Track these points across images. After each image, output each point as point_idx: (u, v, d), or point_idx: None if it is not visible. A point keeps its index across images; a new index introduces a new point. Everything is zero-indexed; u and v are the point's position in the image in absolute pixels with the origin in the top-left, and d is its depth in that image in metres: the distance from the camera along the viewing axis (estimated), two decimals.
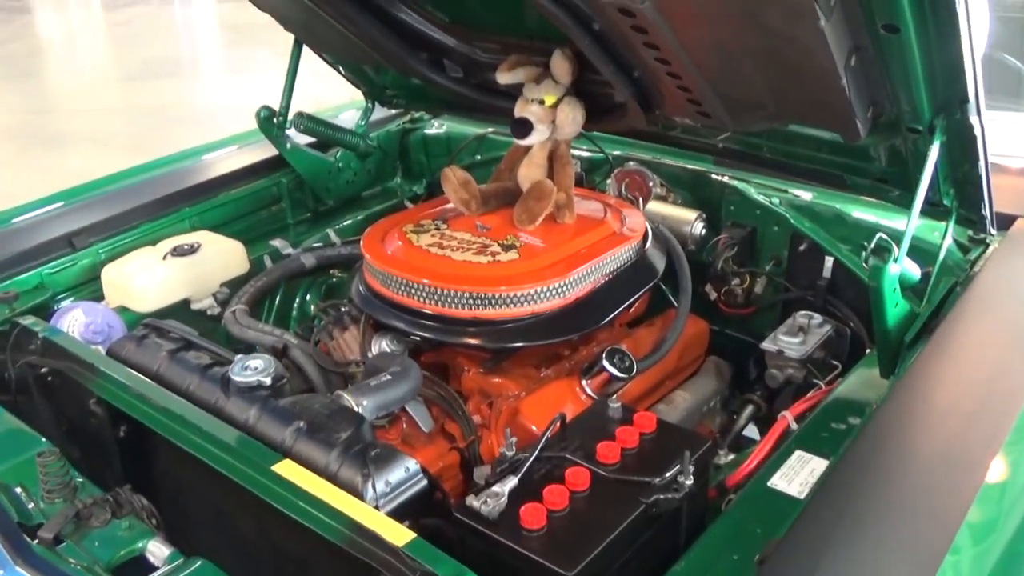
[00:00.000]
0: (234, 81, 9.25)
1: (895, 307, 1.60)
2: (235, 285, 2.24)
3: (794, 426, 1.61)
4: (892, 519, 1.17)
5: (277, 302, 2.41)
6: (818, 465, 1.38)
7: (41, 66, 10.58)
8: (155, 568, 1.34)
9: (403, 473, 1.36)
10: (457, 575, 1.11)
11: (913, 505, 1.20)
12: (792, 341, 1.97)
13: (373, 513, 1.25)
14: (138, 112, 8.05)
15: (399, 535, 1.19)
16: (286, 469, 1.34)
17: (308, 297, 2.47)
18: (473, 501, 1.30)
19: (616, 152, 2.47)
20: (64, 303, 2.10)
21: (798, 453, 1.41)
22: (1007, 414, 1.36)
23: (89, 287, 2.17)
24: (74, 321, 1.96)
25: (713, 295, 2.29)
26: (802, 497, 1.30)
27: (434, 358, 1.96)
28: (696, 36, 1.55)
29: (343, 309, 2.06)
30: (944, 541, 1.12)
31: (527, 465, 1.37)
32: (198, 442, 1.44)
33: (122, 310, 2.09)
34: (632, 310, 2.06)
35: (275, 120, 2.49)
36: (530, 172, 2.05)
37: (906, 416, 1.40)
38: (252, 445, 1.42)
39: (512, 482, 1.33)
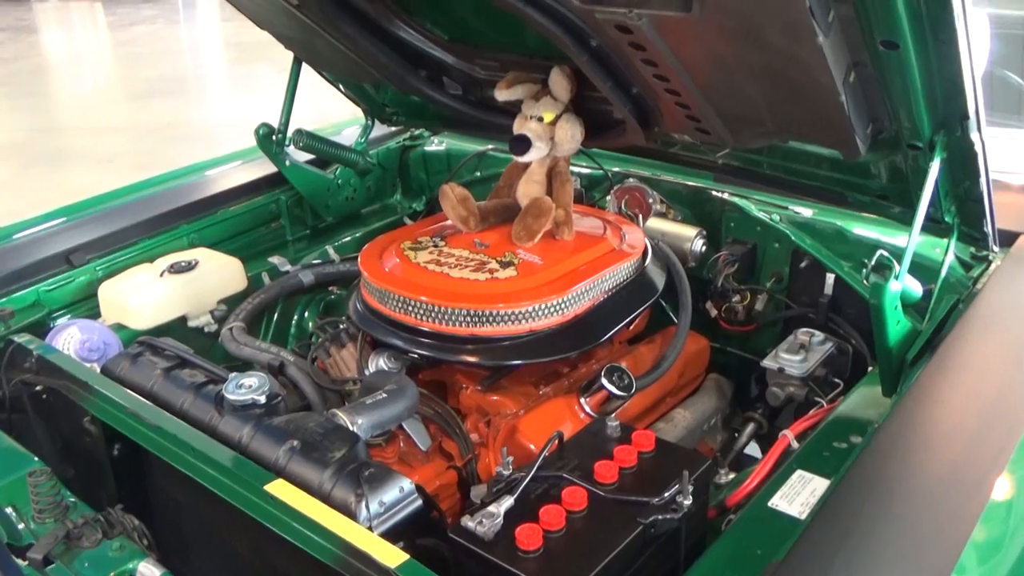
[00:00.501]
0: (238, 98, 9.29)
1: (897, 325, 1.58)
2: (233, 302, 2.24)
3: (795, 445, 1.59)
4: (895, 540, 1.15)
5: (275, 319, 2.39)
6: (819, 485, 1.35)
7: (46, 85, 10.64)
8: None
9: (397, 493, 1.34)
10: None
11: (916, 525, 1.18)
12: (793, 359, 1.95)
13: (366, 534, 1.23)
14: (142, 130, 8.08)
15: (392, 556, 1.17)
16: (279, 489, 1.32)
17: (306, 314, 2.46)
18: (468, 521, 1.28)
19: (615, 169, 2.47)
20: (60, 321, 2.09)
21: (799, 473, 1.39)
22: (1011, 432, 1.33)
23: (86, 304, 2.16)
24: (70, 339, 1.95)
25: (714, 312, 2.27)
26: (803, 518, 1.28)
27: (432, 376, 1.94)
28: (694, 53, 1.55)
29: (341, 326, 2.05)
30: (949, 561, 1.10)
31: (523, 485, 1.35)
32: (191, 461, 1.43)
33: (119, 327, 2.08)
34: (632, 327, 2.04)
35: (274, 137, 2.49)
36: (529, 189, 2.04)
37: (908, 435, 1.38)
38: (245, 464, 1.41)
39: (508, 502, 1.31)
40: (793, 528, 1.24)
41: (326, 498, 1.33)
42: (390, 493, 1.33)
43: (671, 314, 2.24)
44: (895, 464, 1.30)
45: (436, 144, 2.93)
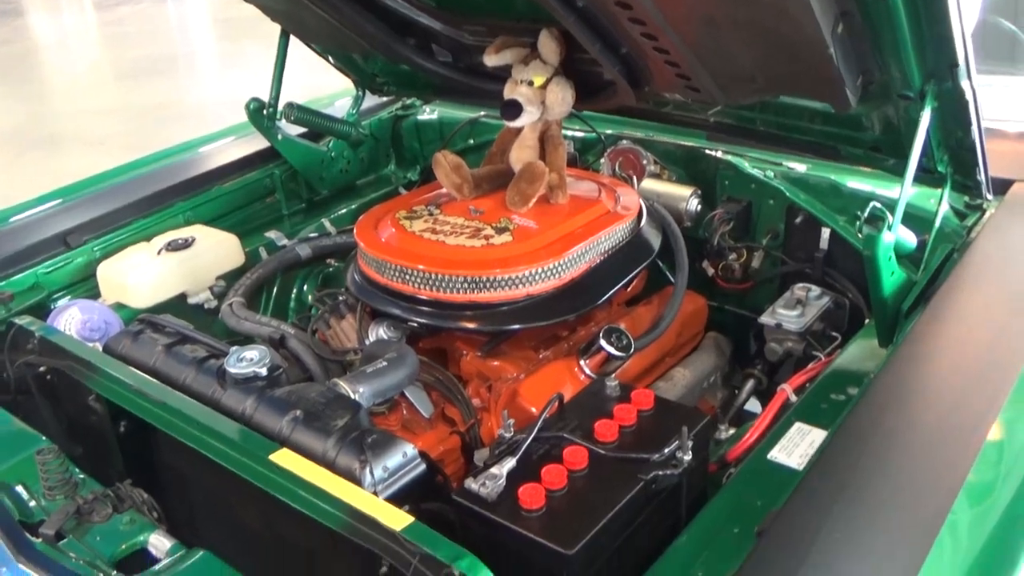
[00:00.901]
0: (228, 76, 9.22)
1: (891, 275, 1.59)
2: (231, 278, 2.24)
3: (793, 398, 1.60)
4: (891, 488, 1.17)
5: (274, 293, 2.40)
6: (817, 436, 1.37)
7: (35, 68, 10.55)
8: (157, 560, 1.34)
9: (401, 458, 1.36)
10: (456, 557, 1.11)
11: (912, 473, 1.19)
12: (790, 314, 1.96)
13: (371, 499, 1.25)
14: (134, 111, 8.02)
15: (397, 519, 1.18)
16: (284, 458, 1.34)
17: (305, 288, 2.47)
18: (472, 483, 1.30)
19: (608, 131, 2.46)
20: (60, 302, 2.09)
21: (797, 425, 1.41)
22: (1005, 379, 1.35)
23: (85, 285, 2.17)
24: (71, 319, 1.96)
25: (711, 271, 2.28)
26: (802, 469, 1.30)
27: (432, 343, 1.96)
28: (680, 9, 1.54)
29: (339, 298, 2.06)
30: (943, 506, 1.12)
31: (525, 446, 1.36)
32: (196, 435, 1.44)
33: (119, 307, 2.09)
34: (629, 289, 2.05)
35: (265, 111, 2.48)
36: (522, 154, 2.04)
37: (904, 383, 1.40)
38: (250, 436, 1.42)
39: (510, 463, 1.33)
40: (792, 479, 1.25)
41: (330, 466, 1.35)
42: (394, 458, 1.35)
43: (668, 275, 2.24)
44: (891, 413, 1.31)
45: (428, 113, 2.92)
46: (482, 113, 2.74)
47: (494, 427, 1.78)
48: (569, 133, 2.49)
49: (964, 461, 1.18)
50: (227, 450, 1.38)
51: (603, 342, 1.82)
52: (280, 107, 2.50)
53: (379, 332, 1.88)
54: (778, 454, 1.35)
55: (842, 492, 1.16)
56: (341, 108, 2.76)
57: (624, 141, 2.41)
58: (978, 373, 1.39)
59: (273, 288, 2.40)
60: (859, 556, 1.07)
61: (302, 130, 2.64)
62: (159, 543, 1.36)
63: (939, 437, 1.26)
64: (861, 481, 1.17)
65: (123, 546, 1.36)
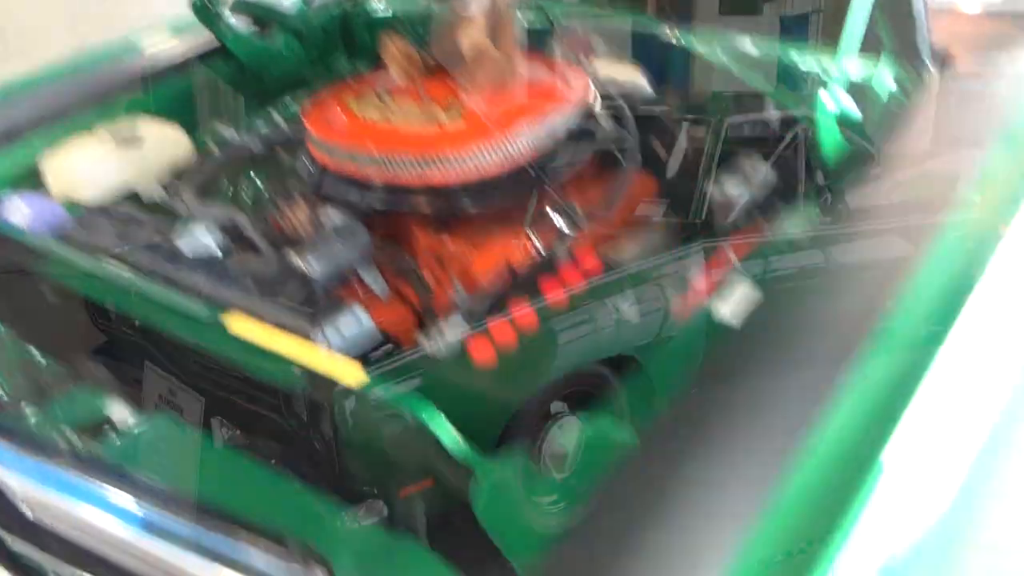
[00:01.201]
0: None
1: (832, 141, 1.63)
2: (181, 172, 2.22)
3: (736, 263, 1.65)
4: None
5: (226, 186, 2.38)
6: (750, 291, 1.42)
7: None
8: (119, 428, 1.38)
9: (353, 322, 1.39)
10: (405, 400, 1.15)
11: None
12: (737, 187, 1.99)
13: (326, 357, 1.28)
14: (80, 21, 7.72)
15: (352, 375, 1.22)
16: (238, 325, 1.36)
17: (256, 180, 2.45)
18: (424, 343, 1.34)
19: (559, 14, 2.43)
20: (5, 197, 2.06)
21: (736, 280, 1.46)
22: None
23: (29, 181, 2.13)
24: (18, 212, 1.93)
25: (661, 152, 2.29)
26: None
27: (386, 225, 1.97)
28: None
29: (292, 186, 2.05)
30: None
31: (476, 309, 1.40)
32: (152, 311, 1.46)
33: (66, 201, 2.07)
34: (580, 169, 2.07)
35: (210, 4, 2.41)
36: (472, 38, 2.02)
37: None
38: (204, 306, 1.44)
39: (461, 324, 1.37)
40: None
41: (285, 331, 1.37)
42: (346, 322, 1.38)
43: (620, 156, 2.26)
44: None
45: (378, 4, 2.85)
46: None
47: (448, 304, 1.82)
48: (520, 18, 2.46)
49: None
50: (183, 321, 1.41)
51: (554, 218, 1.85)
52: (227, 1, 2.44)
53: (332, 217, 1.89)
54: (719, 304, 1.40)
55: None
56: (290, 1, 2.69)
57: (575, 25, 2.39)
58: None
59: (224, 181, 2.38)
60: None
61: (249, 24, 2.57)
62: (120, 412, 1.39)
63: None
64: None
65: (85, 415, 1.40)
